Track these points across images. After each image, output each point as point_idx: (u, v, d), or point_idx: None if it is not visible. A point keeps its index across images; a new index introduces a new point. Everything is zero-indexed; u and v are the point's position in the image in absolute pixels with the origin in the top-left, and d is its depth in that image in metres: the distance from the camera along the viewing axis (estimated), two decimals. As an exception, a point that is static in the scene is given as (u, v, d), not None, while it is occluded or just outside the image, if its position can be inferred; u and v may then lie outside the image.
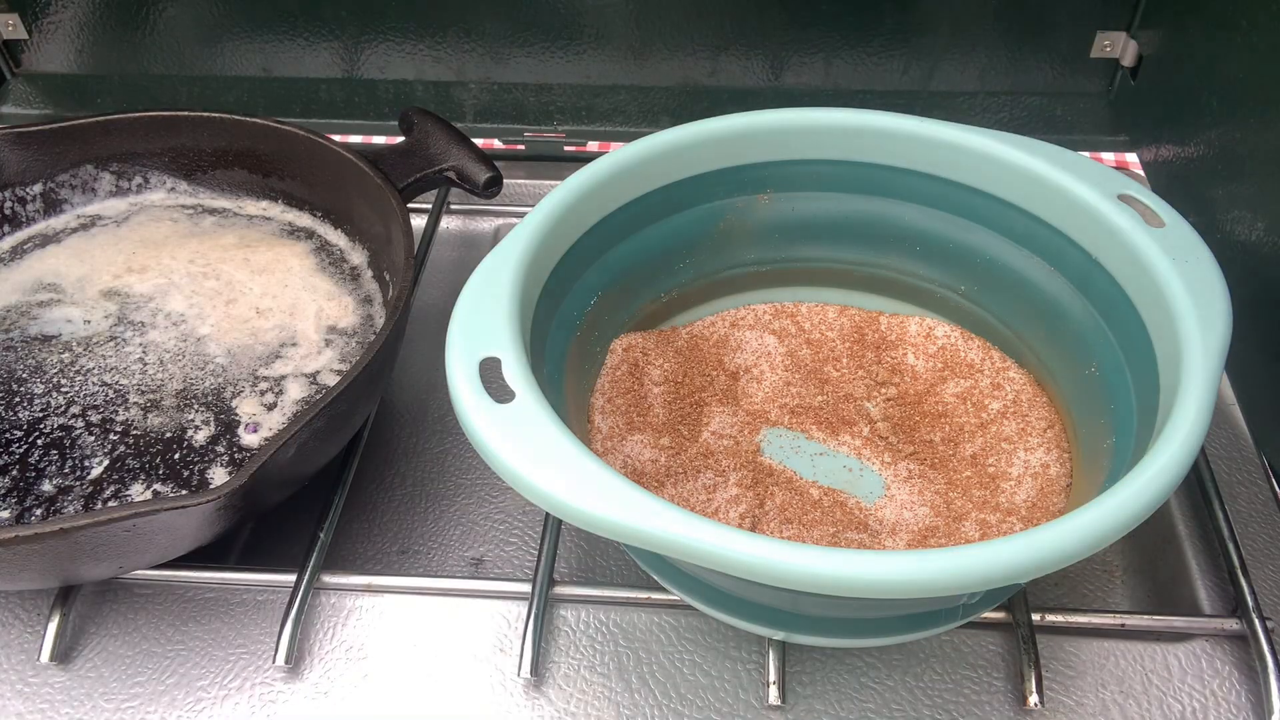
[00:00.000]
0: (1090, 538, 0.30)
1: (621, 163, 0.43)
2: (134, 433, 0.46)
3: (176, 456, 0.44)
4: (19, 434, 0.46)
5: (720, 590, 0.37)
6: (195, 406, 0.47)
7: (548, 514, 0.44)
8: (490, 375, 0.34)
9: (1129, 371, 0.40)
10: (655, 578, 0.40)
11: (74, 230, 0.55)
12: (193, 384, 0.48)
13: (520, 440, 0.33)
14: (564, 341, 0.43)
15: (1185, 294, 0.37)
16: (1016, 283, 0.46)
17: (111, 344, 0.50)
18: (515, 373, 0.34)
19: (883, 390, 0.47)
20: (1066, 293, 0.44)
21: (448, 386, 0.35)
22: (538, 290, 0.40)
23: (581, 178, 0.42)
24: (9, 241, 0.55)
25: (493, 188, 0.51)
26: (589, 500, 0.31)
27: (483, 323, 0.36)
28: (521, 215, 0.43)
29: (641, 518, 0.31)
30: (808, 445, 0.44)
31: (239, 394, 0.47)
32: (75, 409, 0.47)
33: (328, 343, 0.49)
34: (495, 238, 0.62)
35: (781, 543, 0.30)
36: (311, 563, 0.42)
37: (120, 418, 0.46)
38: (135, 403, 0.47)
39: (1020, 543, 0.30)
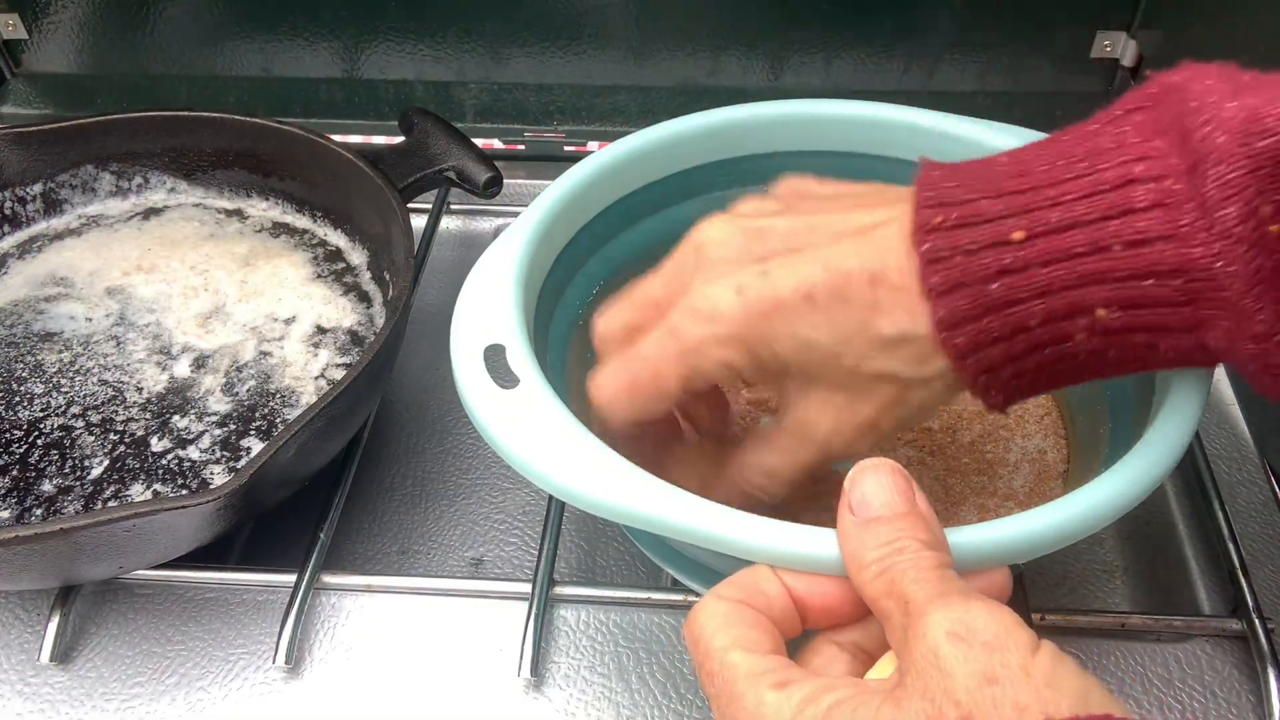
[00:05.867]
0: (1084, 520, 0.30)
1: (623, 154, 0.43)
2: (134, 433, 0.46)
3: (176, 456, 0.44)
4: (19, 434, 0.46)
5: (719, 574, 0.37)
6: (194, 407, 0.47)
7: (548, 513, 0.44)
8: (494, 362, 0.35)
9: None
10: (659, 562, 0.40)
11: (96, 224, 0.56)
12: (193, 383, 0.48)
13: (525, 425, 0.33)
14: (567, 330, 0.43)
15: None
16: None
17: (112, 343, 0.50)
18: (520, 359, 0.35)
19: None
20: None
21: (452, 373, 0.35)
22: (541, 279, 0.40)
23: (584, 169, 0.42)
24: (9, 241, 0.55)
25: (493, 188, 0.51)
26: (594, 483, 0.31)
27: (487, 310, 0.36)
28: (522, 215, 0.43)
29: (646, 500, 0.31)
30: None
31: (236, 393, 0.47)
32: (75, 409, 0.47)
33: (318, 345, 0.49)
34: (495, 238, 0.62)
35: (785, 525, 0.30)
36: (311, 563, 0.42)
37: (120, 418, 0.46)
38: (135, 402, 0.47)
39: (1017, 523, 0.30)
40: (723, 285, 0.31)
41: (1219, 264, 0.25)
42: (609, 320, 0.34)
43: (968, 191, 0.28)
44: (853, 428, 0.32)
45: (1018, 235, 0.27)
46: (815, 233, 0.31)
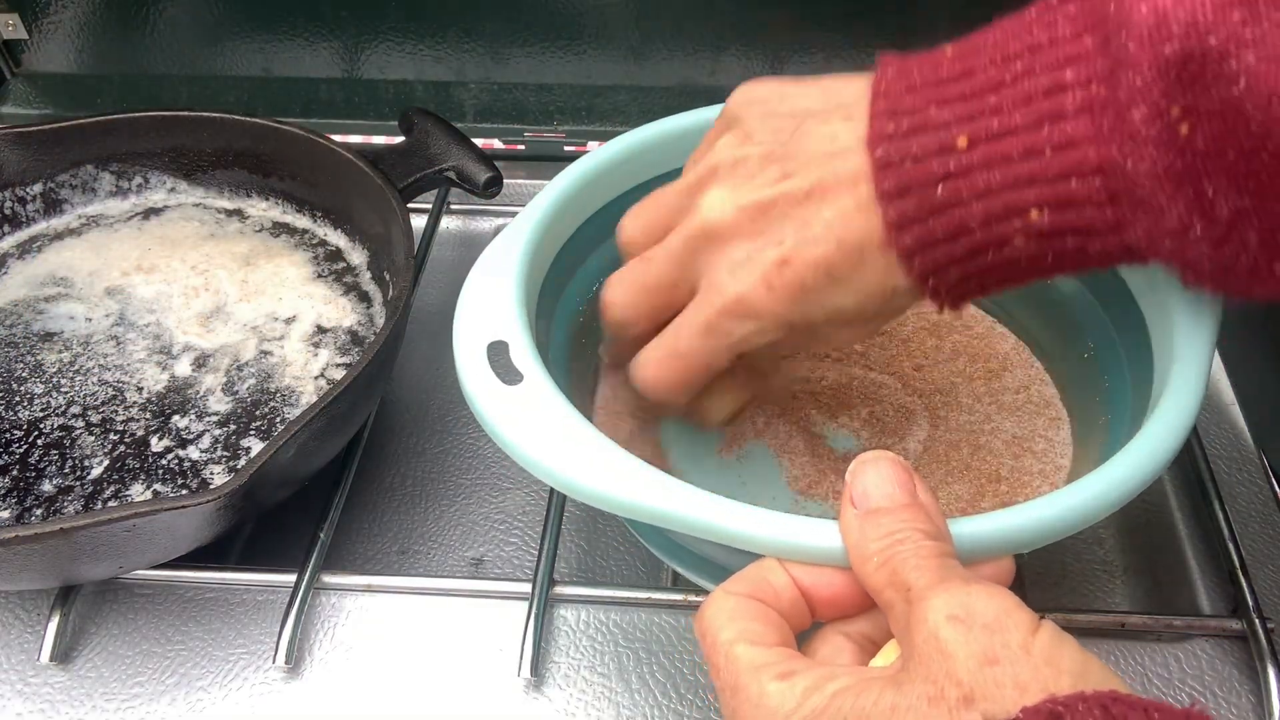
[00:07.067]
0: (1085, 509, 0.30)
1: (623, 150, 0.43)
2: (134, 433, 0.45)
3: (177, 456, 0.44)
4: (19, 434, 0.46)
5: (722, 567, 0.37)
6: (194, 406, 0.47)
7: (548, 513, 0.44)
8: (498, 358, 0.35)
9: (1123, 351, 0.40)
10: (662, 557, 0.40)
11: (95, 224, 0.56)
12: (192, 383, 0.48)
13: (530, 421, 0.33)
14: (569, 326, 0.43)
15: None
16: None
17: (112, 343, 0.50)
18: (523, 355, 0.35)
19: (884, 373, 0.47)
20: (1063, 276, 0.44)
21: (455, 371, 0.35)
22: (542, 276, 0.41)
23: (584, 165, 0.43)
24: (9, 241, 0.55)
25: (493, 188, 0.51)
26: (600, 477, 0.32)
27: (489, 307, 0.37)
28: (523, 216, 0.44)
29: (651, 494, 0.31)
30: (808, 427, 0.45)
31: (236, 393, 0.47)
32: (75, 409, 0.47)
33: (318, 344, 0.49)
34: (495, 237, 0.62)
35: (788, 517, 0.30)
36: (311, 563, 0.42)
37: (120, 417, 0.46)
38: (135, 402, 0.47)
39: (1018, 513, 0.30)
40: (750, 283, 0.33)
41: (1130, 163, 0.27)
42: (620, 303, 0.37)
43: (917, 98, 0.30)
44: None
45: (962, 142, 0.29)
46: (805, 178, 0.32)
